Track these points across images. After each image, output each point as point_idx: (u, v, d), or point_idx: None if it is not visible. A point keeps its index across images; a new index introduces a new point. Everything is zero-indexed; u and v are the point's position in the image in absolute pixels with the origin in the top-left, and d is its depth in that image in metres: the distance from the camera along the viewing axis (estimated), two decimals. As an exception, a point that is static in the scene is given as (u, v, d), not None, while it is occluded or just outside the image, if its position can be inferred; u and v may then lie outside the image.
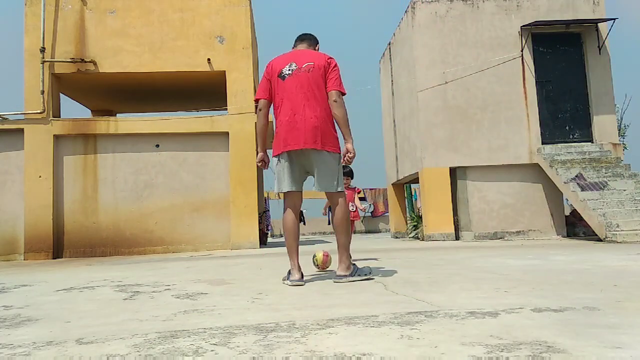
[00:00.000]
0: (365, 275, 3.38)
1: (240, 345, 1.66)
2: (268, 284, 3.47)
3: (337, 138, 3.41)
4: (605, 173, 9.15)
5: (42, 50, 9.60)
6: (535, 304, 2.26)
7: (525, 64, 10.17)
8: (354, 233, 28.74)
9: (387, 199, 17.37)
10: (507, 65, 10.17)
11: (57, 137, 9.62)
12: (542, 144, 10.00)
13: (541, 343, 1.55)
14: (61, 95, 10.55)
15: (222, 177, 9.94)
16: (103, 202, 9.65)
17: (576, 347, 1.49)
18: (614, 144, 10.08)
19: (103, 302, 2.90)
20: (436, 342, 1.61)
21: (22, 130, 9.51)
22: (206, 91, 11.85)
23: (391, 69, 12.85)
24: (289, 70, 3.38)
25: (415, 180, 12.14)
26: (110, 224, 9.60)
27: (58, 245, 9.44)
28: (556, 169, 9.30)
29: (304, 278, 3.37)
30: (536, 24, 9.97)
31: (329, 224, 6.01)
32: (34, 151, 9.46)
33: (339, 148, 3.41)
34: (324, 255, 4.20)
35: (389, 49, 13.06)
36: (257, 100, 3.54)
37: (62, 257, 9.35)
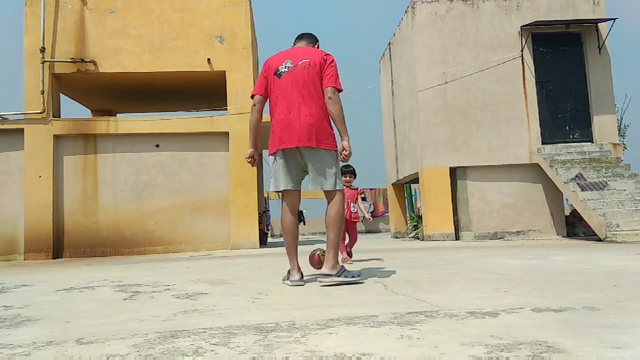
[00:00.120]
0: (353, 277, 3.23)
1: (240, 345, 1.66)
2: (268, 284, 3.47)
3: (334, 135, 3.35)
4: (605, 173, 9.15)
5: (42, 50, 9.60)
6: (535, 304, 2.26)
7: (525, 64, 10.17)
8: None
9: (387, 199, 17.37)
10: (507, 65, 10.17)
11: (57, 137, 9.62)
12: (542, 144, 10.00)
13: (541, 343, 1.55)
14: (61, 95, 10.56)
15: (222, 177, 9.94)
16: (103, 202, 9.65)
17: (576, 347, 1.49)
18: (614, 144, 10.08)
19: (103, 302, 2.90)
20: (436, 342, 1.61)
21: (22, 130, 9.52)
22: (206, 91, 11.85)
23: (391, 69, 12.85)
24: (285, 68, 3.36)
25: (415, 180, 12.14)
26: (110, 224, 9.60)
27: (58, 245, 9.45)
28: (556, 169, 9.30)
29: (304, 278, 3.37)
30: (536, 24, 9.97)
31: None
32: (34, 151, 9.46)
33: (336, 145, 3.35)
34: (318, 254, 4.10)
35: (389, 49, 13.06)
36: (253, 97, 3.52)
37: (62, 257, 9.35)
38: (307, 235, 21.70)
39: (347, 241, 5.44)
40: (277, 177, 3.39)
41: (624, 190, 8.76)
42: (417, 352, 1.50)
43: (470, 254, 5.84)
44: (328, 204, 3.37)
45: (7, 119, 9.61)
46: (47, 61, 9.65)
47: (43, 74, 9.61)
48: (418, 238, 11.21)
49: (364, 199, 5.72)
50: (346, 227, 5.46)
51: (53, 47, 9.77)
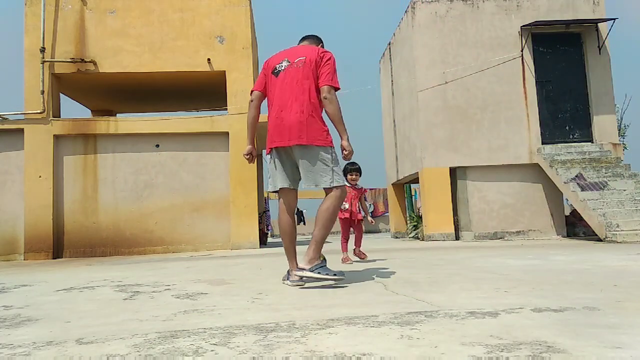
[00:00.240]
0: (327, 275, 3.01)
1: (240, 345, 1.66)
2: (268, 284, 3.47)
3: (327, 131, 3.24)
4: (605, 173, 9.15)
5: (42, 50, 9.60)
6: (535, 304, 2.26)
7: (525, 64, 10.17)
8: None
9: (387, 199, 17.37)
10: (507, 65, 10.18)
11: (57, 137, 9.62)
12: (542, 144, 10.00)
13: (541, 343, 1.55)
14: (61, 95, 10.55)
15: (222, 177, 9.94)
16: (103, 202, 9.65)
17: (576, 347, 1.49)
18: (614, 144, 10.08)
19: (103, 302, 2.90)
20: (436, 342, 1.61)
21: (22, 130, 9.52)
22: (206, 91, 11.85)
23: (391, 69, 12.85)
24: (282, 66, 3.34)
25: (415, 180, 12.14)
26: (110, 224, 9.60)
27: (58, 245, 9.44)
28: (556, 169, 9.30)
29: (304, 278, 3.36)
30: (536, 24, 9.97)
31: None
32: (34, 151, 9.46)
33: (330, 141, 3.24)
34: None
35: (389, 49, 13.06)
36: (252, 93, 3.52)
37: (62, 257, 9.35)
38: (307, 235, 21.69)
39: (349, 242, 5.42)
40: (273, 176, 3.37)
41: (624, 190, 8.76)
42: (417, 352, 1.50)
43: (470, 254, 5.84)
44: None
45: (7, 119, 9.61)
46: (47, 61, 9.65)
47: (43, 74, 9.61)
48: (418, 238, 11.21)
49: (364, 199, 5.67)
50: (352, 226, 5.42)
51: (53, 47, 9.77)
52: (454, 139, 10.03)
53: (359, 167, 5.33)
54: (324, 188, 3.21)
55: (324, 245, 3.27)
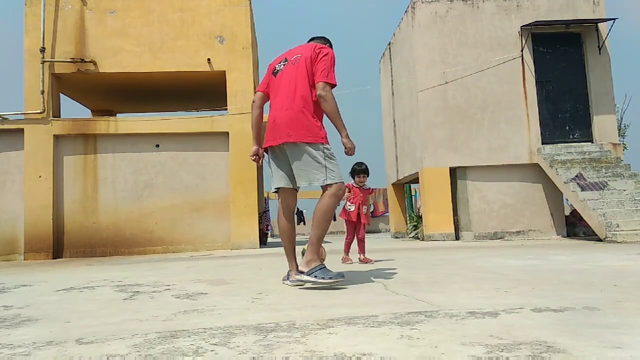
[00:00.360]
0: (323, 279, 2.91)
1: (240, 345, 1.66)
2: (268, 284, 3.47)
3: (320, 127, 3.13)
4: (605, 173, 9.15)
5: (42, 50, 9.60)
6: (535, 304, 2.26)
7: (525, 64, 10.17)
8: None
9: (387, 199, 17.37)
10: (507, 65, 10.18)
11: (57, 137, 9.62)
12: (542, 144, 10.00)
13: (541, 343, 1.55)
14: (61, 95, 10.56)
15: (222, 177, 9.94)
16: (103, 202, 9.65)
17: (576, 347, 1.49)
18: (614, 144, 10.08)
19: (103, 302, 2.90)
20: (436, 342, 1.61)
21: (22, 130, 9.52)
22: (206, 91, 11.85)
23: (391, 69, 12.85)
24: (281, 65, 3.33)
25: (415, 180, 12.14)
26: (110, 224, 9.60)
27: (58, 245, 9.44)
28: (556, 169, 9.30)
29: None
30: (536, 24, 9.97)
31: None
32: (34, 151, 9.46)
33: (324, 138, 3.11)
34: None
35: (389, 49, 13.06)
36: (255, 94, 3.51)
37: (62, 257, 9.35)
38: (307, 235, 21.67)
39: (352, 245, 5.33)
40: (271, 176, 3.37)
41: (624, 190, 8.76)
42: (417, 352, 1.50)
43: (470, 254, 5.84)
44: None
45: (7, 119, 9.61)
46: (47, 61, 9.65)
47: (43, 74, 9.61)
48: (418, 238, 11.21)
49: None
50: (356, 228, 5.26)
51: (53, 47, 9.77)
52: (454, 139, 10.03)
53: (367, 168, 5.14)
54: (321, 186, 3.11)
55: (324, 244, 3.22)
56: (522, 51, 10.17)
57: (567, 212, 10.72)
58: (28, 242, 9.20)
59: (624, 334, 1.65)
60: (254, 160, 3.45)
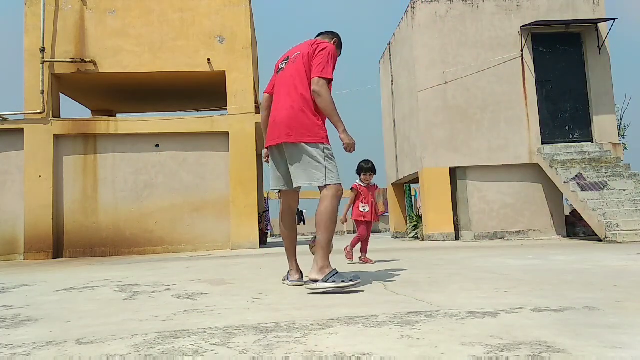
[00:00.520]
0: (344, 282, 2.76)
1: (240, 345, 1.66)
2: (268, 284, 3.47)
3: (320, 126, 3.04)
4: (605, 173, 9.15)
5: (42, 50, 9.60)
6: (535, 304, 2.26)
7: (525, 64, 10.17)
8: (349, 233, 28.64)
9: (387, 199, 17.37)
10: (507, 65, 10.17)
11: (57, 137, 9.62)
12: (542, 144, 10.00)
13: (541, 343, 1.55)
14: (61, 95, 10.56)
15: (222, 177, 9.94)
16: (103, 202, 9.65)
17: (576, 347, 1.49)
18: (614, 144, 10.08)
19: (103, 302, 2.90)
20: (436, 342, 1.61)
21: (22, 130, 9.52)
22: (206, 91, 11.86)
23: (391, 69, 12.85)
24: (284, 64, 3.30)
25: (415, 180, 12.14)
26: (110, 224, 9.60)
27: (58, 245, 9.45)
28: (556, 169, 9.30)
29: (304, 278, 3.35)
30: (536, 24, 9.97)
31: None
32: (34, 151, 9.46)
33: (323, 138, 3.02)
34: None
35: (389, 49, 13.06)
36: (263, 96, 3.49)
37: (62, 257, 9.35)
38: (307, 235, 21.68)
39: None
40: (270, 177, 3.35)
41: (624, 190, 8.76)
42: (417, 352, 1.50)
43: (470, 254, 5.84)
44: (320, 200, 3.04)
45: (7, 119, 9.61)
46: (47, 61, 9.66)
47: (43, 74, 9.61)
48: (418, 238, 11.21)
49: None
50: (366, 227, 5.21)
51: (53, 47, 9.77)
52: (454, 139, 10.03)
53: (374, 166, 5.10)
54: (318, 187, 3.02)
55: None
56: (522, 51, 10.17)
57: (567, 212, 10.72)
58: (28, 242, 9.20)
59: (624, 334, 1.65)
60: (266, 162, 3.38)
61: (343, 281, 2.77)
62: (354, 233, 32.51)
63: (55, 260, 8.87)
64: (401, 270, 4.07)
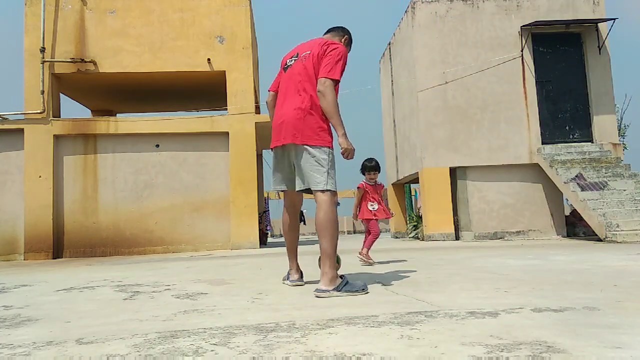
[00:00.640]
0: (356, 290, 2.78)
1: (240, 345, 1.66)
2: (268, 284, 3.47)
3: (327, 130, 2.99)
4: (605, 173, 9.15)
5: (42, 50, 9.60)
6: (535, 304, 2.26)
7: (525, 64, 10.17)
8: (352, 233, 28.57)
9: (387, 199, 17.37)
10: (507, 65, 10.17)
11: (57, 137, 9.62)
12: (542, 144, 10.00)
13: (541, 343, 1.55)
14: (61, 95, 10.56)
15: (222, 177, 9.94)
16: (103, 202, 9.65)
17: (576, 347, 1.49)
18: (614, 144, 10.08)
19: (103, 302, 2.90)
20: (436, 342, 1.61)
21: (22, 130, 9.52)
22: (206, 91, 11.86)
23: (391, 69, 12.85)
24: (292, 61, 3.21)
25: (415, 180, 12.14)
26: (110, 224, 9.60)
27: (58, 245, 9.45)
28: (556, 169, 9.30)
29: (304, 278, 3.35)
30: (536, 24, 9.97)
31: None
32: (34, 151, 9.46)
33: (329, 142, 2.98)
34: None
35: (389, 49, 13.06)
36: (268, 94, 3.41)
37: (62, 257, 9.35)
38: (307, 235, 21.69)
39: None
40: (271, 176, 3.31)
41: (624, 190, 8.76)
42: (417, 352, 1.50)
43: (470, 254, 5.84)
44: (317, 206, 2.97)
45: (7, 119, 9.61)
46: (47, 61, 9.65)
47: (43, 74, 9.61)
48: (418, 238, 11.21)
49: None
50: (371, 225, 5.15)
51: (53, 47, 9.77)
52: (454, 139, 10.03)
53: (378, 164, 5.04)
54: (316, 191, 2.92)
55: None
56: (522, 51, 10.17)
57: (567, 212, 10.72)
58: (28, 242, 9.20)
59: (624, 334, 1.65)
60: None
61: (357, 291, 2.78)
62: (354, 233, 32.41)
63: (55, 260, 8.87)
64: (401, 270, 4.07)
